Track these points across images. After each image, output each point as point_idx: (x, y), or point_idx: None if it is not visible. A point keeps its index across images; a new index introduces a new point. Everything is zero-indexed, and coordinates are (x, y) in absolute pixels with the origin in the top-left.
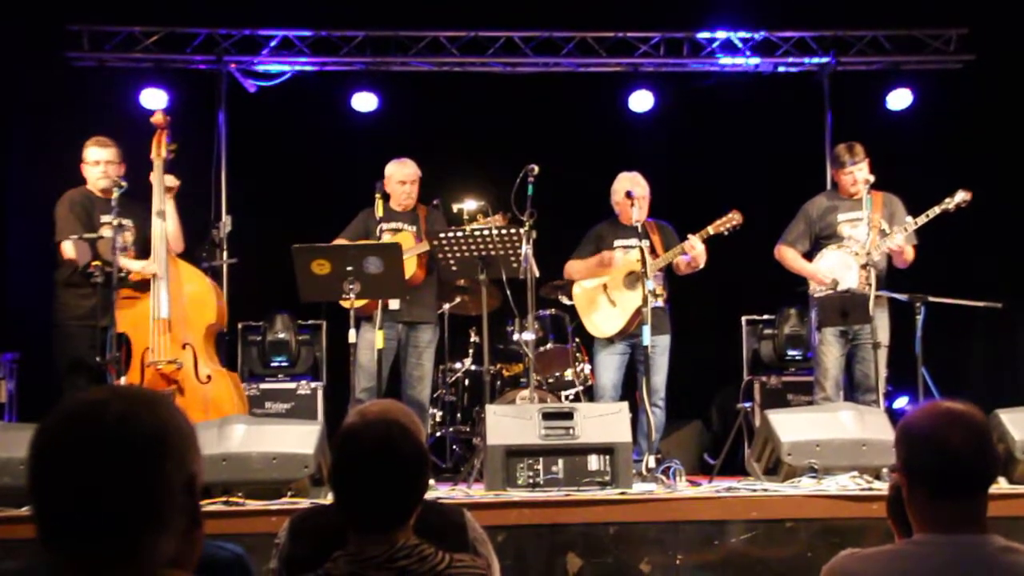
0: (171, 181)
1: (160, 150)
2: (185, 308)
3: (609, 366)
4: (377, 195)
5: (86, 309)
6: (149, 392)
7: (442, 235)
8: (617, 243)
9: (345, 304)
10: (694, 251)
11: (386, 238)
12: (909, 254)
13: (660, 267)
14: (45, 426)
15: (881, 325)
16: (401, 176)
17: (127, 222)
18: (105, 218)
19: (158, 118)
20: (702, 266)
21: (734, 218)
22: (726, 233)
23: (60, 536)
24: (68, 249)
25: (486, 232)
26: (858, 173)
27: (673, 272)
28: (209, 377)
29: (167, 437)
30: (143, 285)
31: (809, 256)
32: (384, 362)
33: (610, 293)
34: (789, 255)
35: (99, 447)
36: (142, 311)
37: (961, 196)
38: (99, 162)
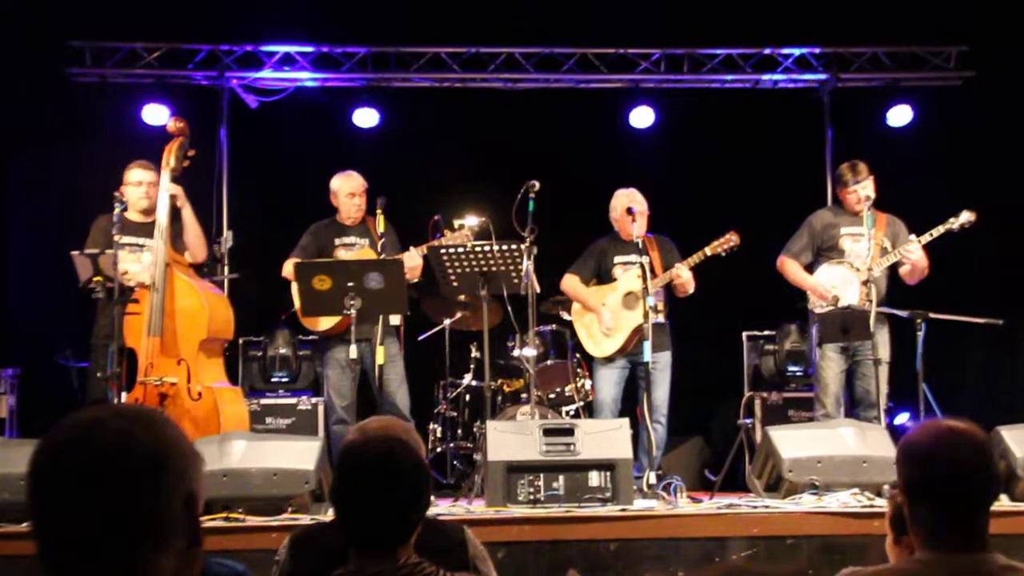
0: (173, 189)
1: (170, 159)
2: (177, 324)
3: (609, 381)
4: (379, 211)
5: (103, 327)
6: (148, 410)
7: (443, 250)
8: (617, 259)
9: (316, 325)
10: (679, 279)
11: (341, 253)
12: (924, 261)
13: (655, 288)
14: (45, 444)
15: (882, 342)
16: (349, 188)
17: (151, 242)
18: (126, 239)
19: (173, 126)
20: (691, 291)
21: (732, 239)
22: (723, 254)
23: (60, 554)
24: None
25: (487, 248)
26: (862, 191)
27: (672, 292)
28: (200, 394)
29: (166, 455)
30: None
31: (810, 269)
32: (352, 380)
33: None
34: (790, 267)
35: (98, 465)
36: (143, 326)
37: (966, 216)
38: (141, 183)
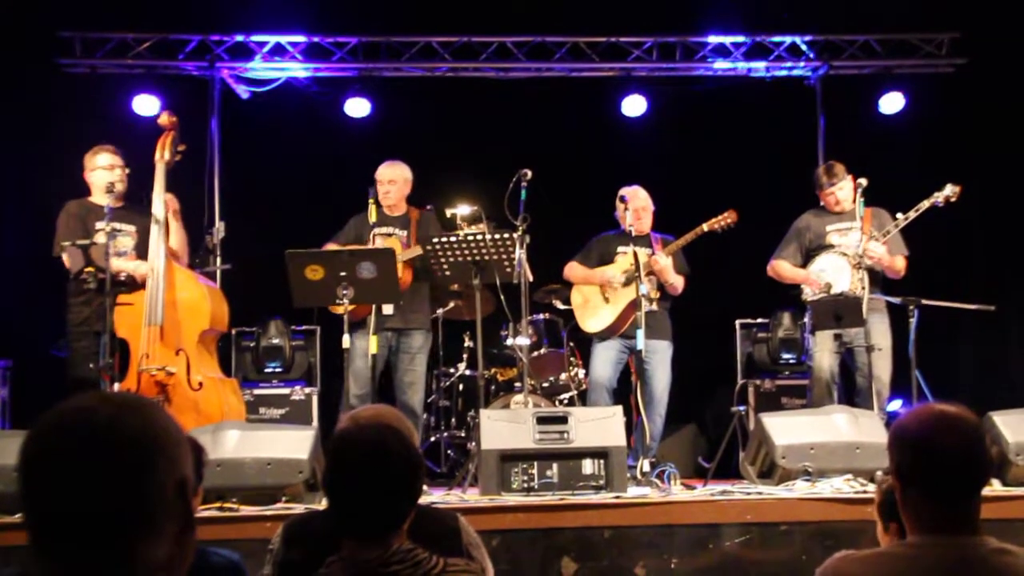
0: (172, 203)
1: (164, 153)
2: (178, 314)
3: (604, 360)
4: (371, 200)
5: (85, 316)
6: (137, 397)
7: (435, 240)
8: (620, 249)
9: (337, 310)
10: (658, 265)
11: (378, 243)
12: (899, 264)
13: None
14: (34, 433)
15: (881, 329)
16: (379, 175)
17: (128, 227)
18: (100, 225)
19: (165, 119)
20: (671, 281)
21: (729, 217)
22: (720, 231)
23: (52, 543)
24: (65, 258)
25: (479, 237)
26: (839, 193)
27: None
28: (201, 384)
29: (156, 441)
30: (134, 288)
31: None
32: (376, 368)
33: (605, 291)
34: (781, 266)
35: (88, 453)
36: (139, 317)
37: (950, 189)
38: (114, 166)
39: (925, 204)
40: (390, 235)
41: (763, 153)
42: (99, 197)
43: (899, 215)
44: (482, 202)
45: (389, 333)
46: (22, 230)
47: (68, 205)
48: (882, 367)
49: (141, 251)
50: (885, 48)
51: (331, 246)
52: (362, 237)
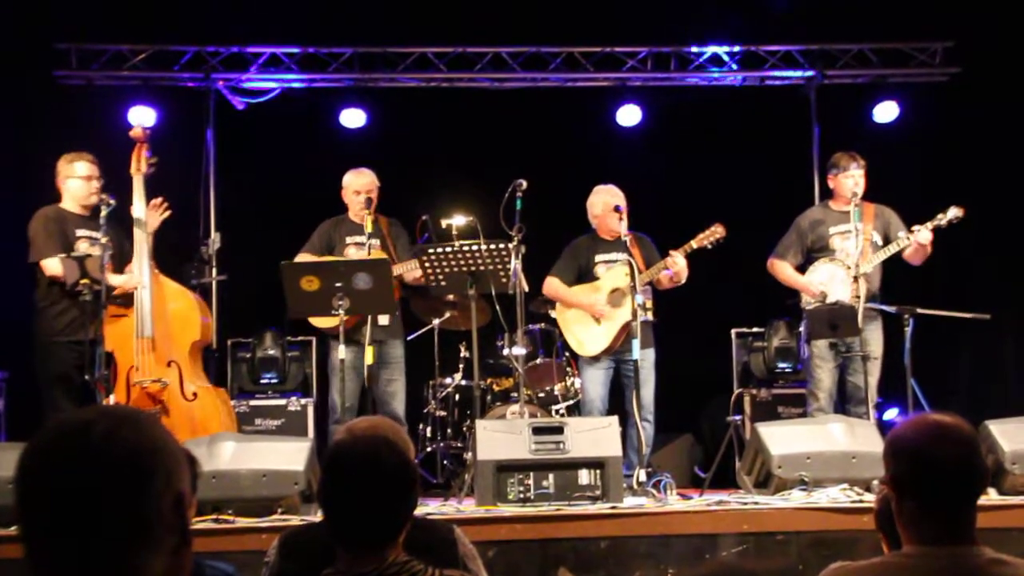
0: (155, 221)
1: (140, 165)
2: (169, 325)
3: (596, 381)
4: (367, 211)
5: (65, 325)
6: (135, 411)
7: (431, 250)
8: (599, 258)
9: (324, 323)
10: (676, 266)
11: (351, 251)
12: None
13: (643, 283)
14: (31, 446)
15: (874, 337)
16: (356, 185)
17: (97, 235)
18: (80, 233)
19: (137, 132)
20: (684, 281)
21: (717, 231)
22: (709, 247)
23: (48, 556)
24: (51, 267)
25: (475, 247)
26: (859, 178)
27: (656, 287)
28: (195, 395)
29: (154, 455)
30: (128, 301)
31: (802, 270)
32: (355, 381)
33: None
34: (780, 267)
35: (86, 466)
36: (127, 329)
37: (954, 212)
38: (91, 177)
39: (929, 226)
40: (363, 244)
41: (758, 162)
42: (71, 205)
43: (902, 233)
44: (477, 212)
45: (372, 346)
46: (16, 242)
47: (45, 211)
48: (872, 375)
49: (116, 261)
50: (879, 57)
51: (305, 255)
52: (332, 246)
